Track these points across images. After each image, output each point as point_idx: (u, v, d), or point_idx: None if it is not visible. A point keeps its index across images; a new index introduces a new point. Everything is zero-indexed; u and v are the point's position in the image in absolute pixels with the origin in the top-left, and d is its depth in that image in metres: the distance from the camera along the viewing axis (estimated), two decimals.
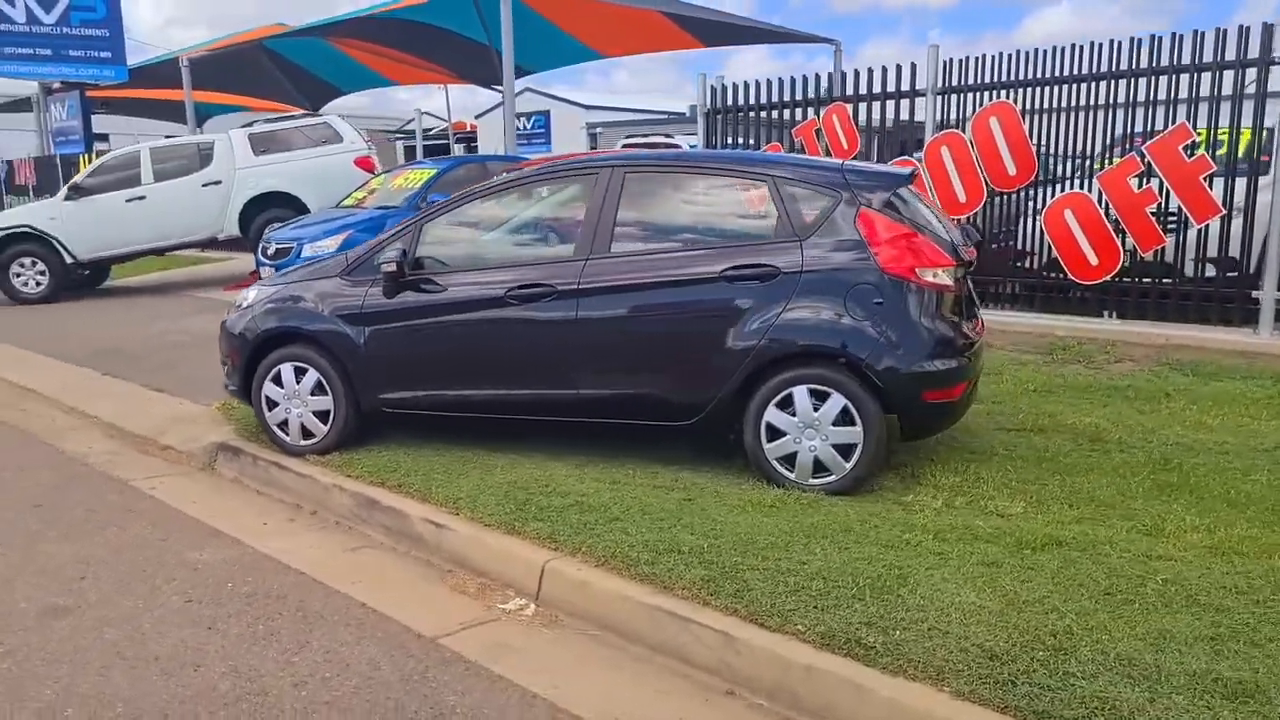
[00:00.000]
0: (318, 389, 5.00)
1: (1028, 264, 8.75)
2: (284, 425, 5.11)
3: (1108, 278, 7.91)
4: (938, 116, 8.80)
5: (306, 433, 5.07)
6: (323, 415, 5.02)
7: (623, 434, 4.74)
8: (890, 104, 9.15)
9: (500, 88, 22.32)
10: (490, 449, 4.90)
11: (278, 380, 5.07)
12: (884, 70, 9.12)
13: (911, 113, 9.11)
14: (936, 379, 4.24)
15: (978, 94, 8.59)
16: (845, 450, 4.25)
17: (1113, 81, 7.91)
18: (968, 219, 8.76)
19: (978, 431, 5.28)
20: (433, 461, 4.77)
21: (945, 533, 3.73)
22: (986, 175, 8.43)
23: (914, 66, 8.94)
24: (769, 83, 9.96)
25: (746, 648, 3.03)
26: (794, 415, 4.28)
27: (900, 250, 4.23)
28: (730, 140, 10.43)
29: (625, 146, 21.21)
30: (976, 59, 8.56)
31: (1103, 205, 7.84)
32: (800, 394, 4.27)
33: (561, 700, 2.93)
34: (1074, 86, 8.13)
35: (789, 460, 4.33)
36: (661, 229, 4.70)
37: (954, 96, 8.75)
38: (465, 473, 4.59)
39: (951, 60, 8.73)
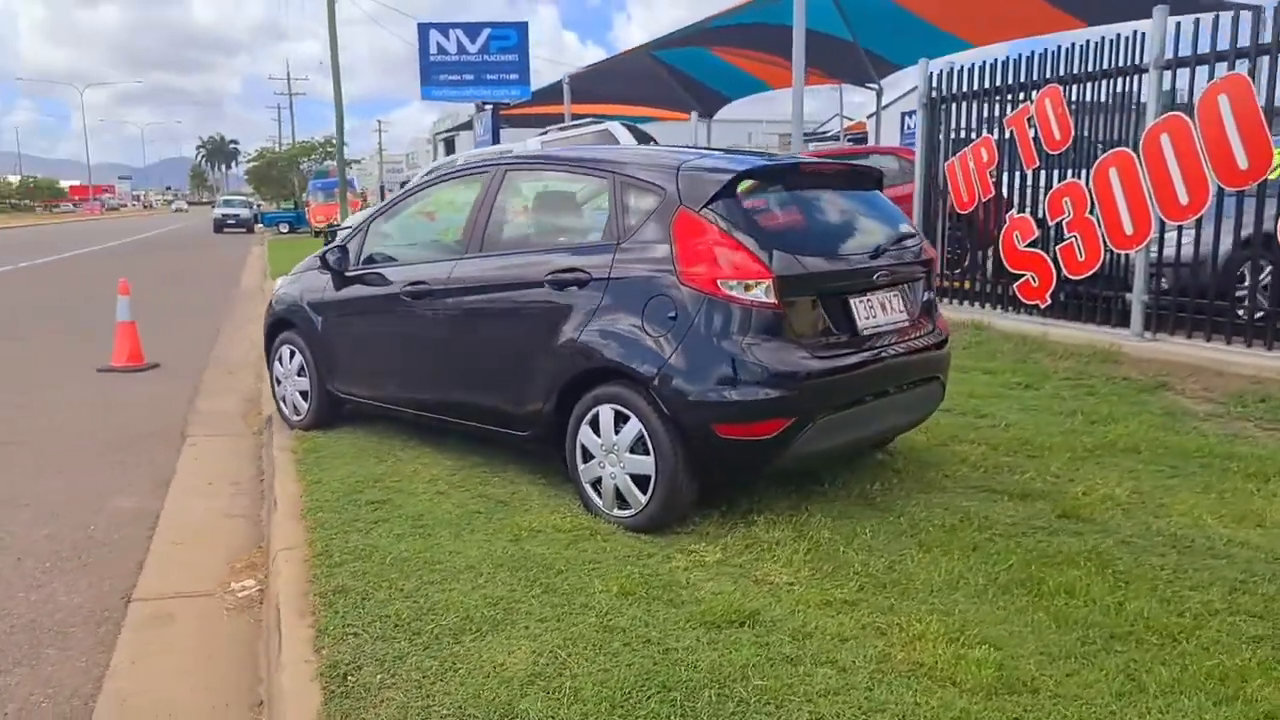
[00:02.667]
0: (301, 371, 5.54)
1: None
2: (285, 401, 5.74)
3: None
4: (1162, 96, 7.08)
5: (296, 410, 5.64)
6: (305, 395, 5.55)
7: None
8: (1110, 83, 7.56)
9: (873, 86, 21.78)
10: (433, 444, 5.04)
11: (282, 360, 5.71)
12: (1102, 42, 7.53)
13: (1137, 93, 7.43)
14: (732, 411, 3.57)
15: (1212, 65, 6.77)
16: (644, 482, 3.77)
17: None
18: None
19: (941, 484, 4.31)
20: (360, 446, 5.08)
21: (639, 591, 3.19)
22: (1212, 169, 6.62)
23: (1139, 36, 7.28)
24: (993, 65, 8.71)
25: (278, 666, 2.92)
26: (600, 438, 3.90)
27: (702, 259, 3.64)
28: (956, 133, 9.30)
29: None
30: (1214, 19, 6.74)
31: None
32: (605, 414, 3.87)
33: (113, 678, 3.06)
34: None
35: (600, 486, 3.95)
36: (526, 229, 4.53)
37: (1184, 71, 6.99)
38: (364, 461, 4.83)
39: (1180, 24, 6.97)
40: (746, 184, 3.79)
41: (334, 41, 30.17)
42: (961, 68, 9.04)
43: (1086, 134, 7.73)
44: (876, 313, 3.94)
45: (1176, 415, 5.51)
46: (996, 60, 8.61)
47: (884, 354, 3.91)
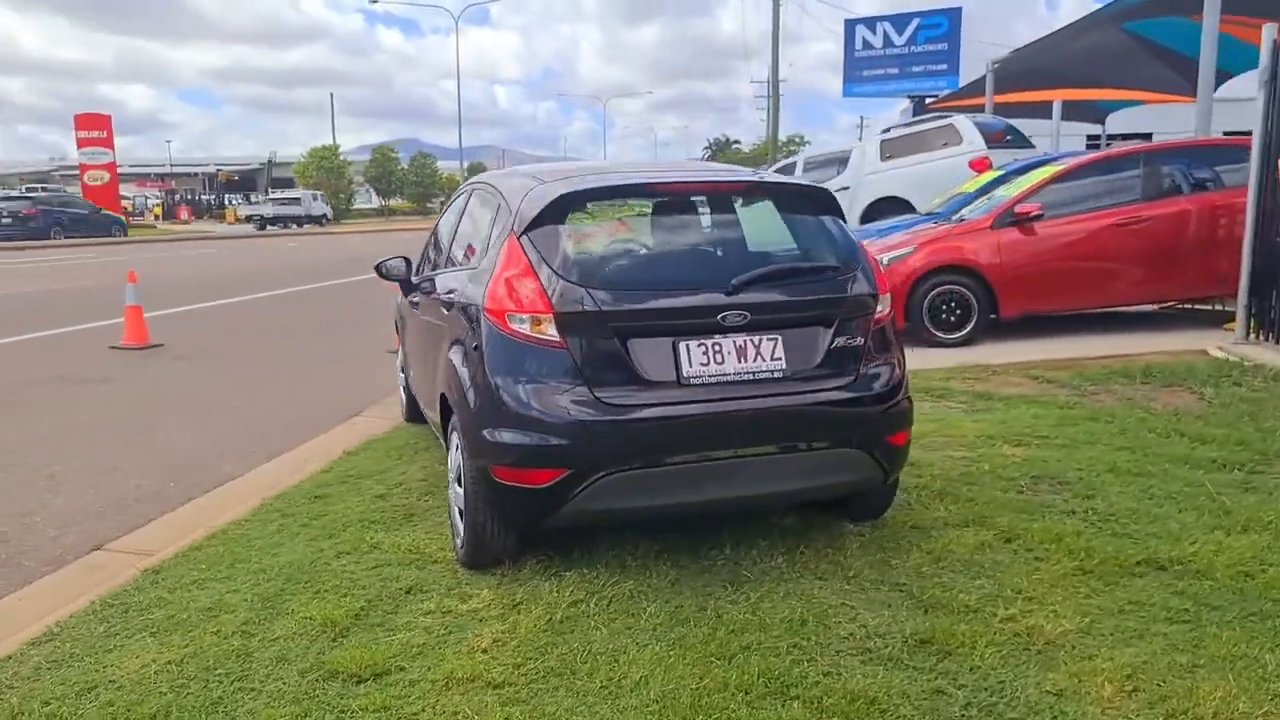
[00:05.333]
0: (403, 368, 6.10)
1: None
2: (400, 394, 6.35)
3: None
4: None
5: (402, 403, 6.23)
6: (405, 390, 6.10)
7: None
8: None
9: None
10: None
11: (398, 357, 6.33)
12: None
13: None
14: (505, 455, 3.28)
15: None
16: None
17: None
18: None
19: (858, 576, 3.52)
20: (408, 443, 5.54)
21: (342, 623, 3.18)
22: None
23: None
24: None
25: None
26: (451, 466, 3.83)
27: (503, 289, 3.39)
28: None
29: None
30: None
31: None
32: (454, 441, 3.78)
33: None
34: None
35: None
36: (460, 248, 4.48)
37: None
38: (389, 457, 5.30)
39: None
40: (571, 208, 3.44)
41: (775, 51, 31.16)
42: None
43: None
44: (724, 359, 3.31)
45: None
46: None
47: (722, 408, 3.28)
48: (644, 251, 3.58)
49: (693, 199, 3.75)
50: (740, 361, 3.34)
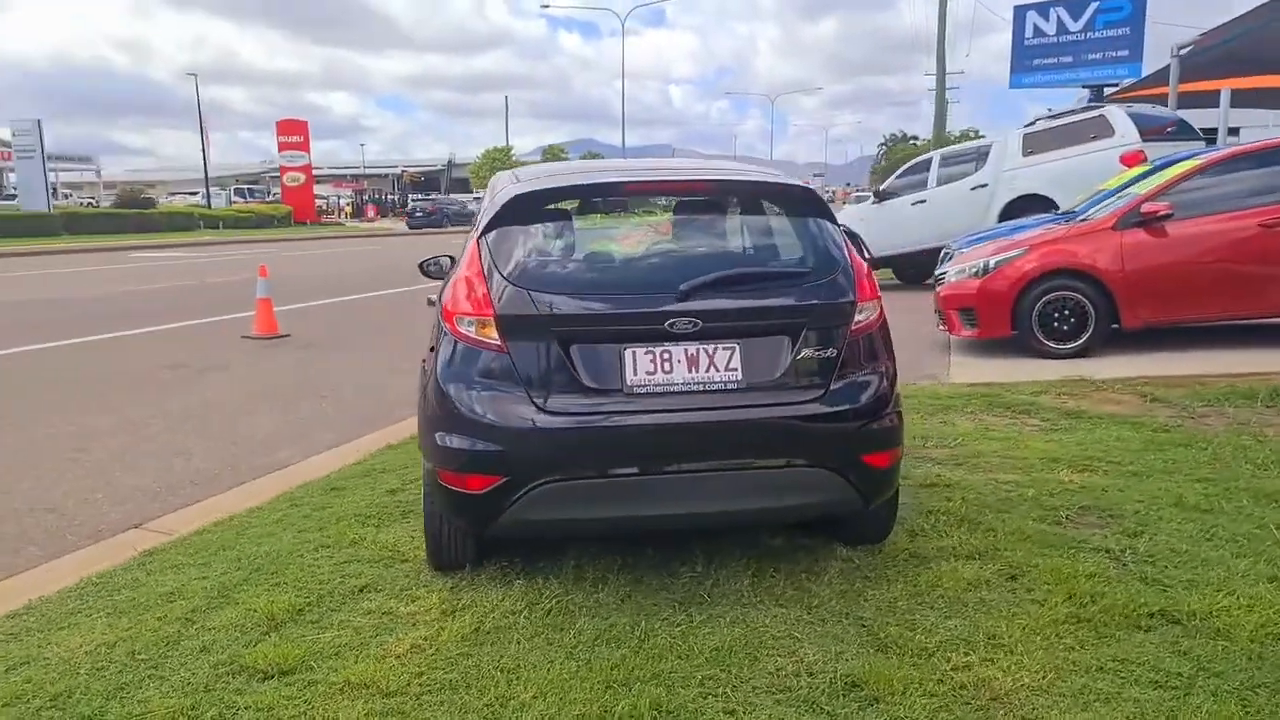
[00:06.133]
0: None
1: None
2: None
3: None
4: None
5: None
6: None
7: None
8: None
9: None
10: None
11: None
12: None
13: None
14: (448, 459, 3.21)
15: None
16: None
17: None
18: None
19: (821, 605, 3.26)
20: None
21: (281, 616, 3.22)
22: None
23: None
24: None
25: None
26: None
27: (456, 291, 3.34)
28: None
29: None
30: None
31: None
32: None
33: None
34: None
35: None
36: None
37: None
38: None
39: None
40: (527, 209, 3.34)
41: (941, 44, 29.78)
42: None
43: None
44: (672, 367, 3.12)
45: None
46: None
47: (668, 420, 3.09)
48: (598, 254, 3.45)
49: (657, 199, 3.57)
50: (691, 371, 3.14)
